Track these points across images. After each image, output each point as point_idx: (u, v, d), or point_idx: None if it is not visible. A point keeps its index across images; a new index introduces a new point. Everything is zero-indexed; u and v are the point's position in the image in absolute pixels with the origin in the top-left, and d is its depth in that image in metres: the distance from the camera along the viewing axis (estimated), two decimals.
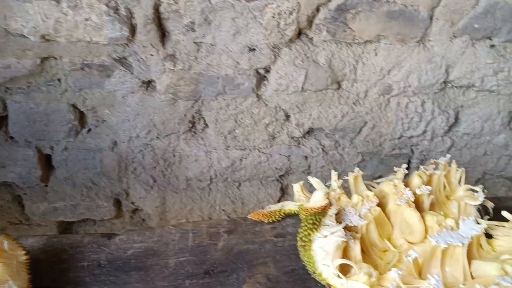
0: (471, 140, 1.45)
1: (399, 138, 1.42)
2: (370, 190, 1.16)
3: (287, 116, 1.36)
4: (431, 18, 1.22)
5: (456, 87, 1.34)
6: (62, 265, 1.05)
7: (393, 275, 0.94)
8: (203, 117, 1.34)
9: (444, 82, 1.32)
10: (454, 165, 1.19)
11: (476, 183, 1.56)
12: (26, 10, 1.10)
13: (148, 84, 1.28)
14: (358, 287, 0.94)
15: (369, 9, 1.18)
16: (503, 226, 1.07)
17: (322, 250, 0.98)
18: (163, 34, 1.20)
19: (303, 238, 1.01)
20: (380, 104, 1.35)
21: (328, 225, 1.02)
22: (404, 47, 1.26)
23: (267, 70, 1.27)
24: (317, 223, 1.01)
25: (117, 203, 1.50)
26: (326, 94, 1.31)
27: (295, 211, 1.18)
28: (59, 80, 1.25)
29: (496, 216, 1.14)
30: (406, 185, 1.14)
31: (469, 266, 1.03)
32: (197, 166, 1.42)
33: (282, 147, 1.41)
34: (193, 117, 1.33)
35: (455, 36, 1.25)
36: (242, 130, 1.36)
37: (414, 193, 1.12)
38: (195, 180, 1.46)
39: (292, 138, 1.40)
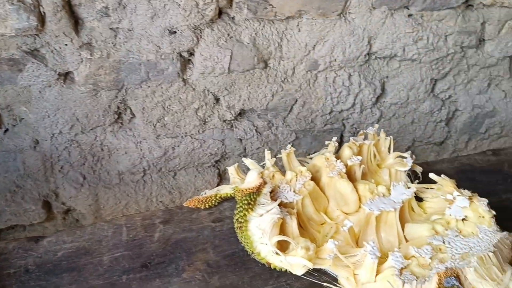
0: (398, 109, 1.49)
1: (329, 113, 1.43)
2: (303, 166, 1.16)
3: (217, 99, 1.33)
4: None
5: (379, 58, 1.37)
6: None
7: (330, 246, 0.95)
8: (128, 107, 1.29)
9: (368, 54, 1.34)
10: (382, 134, 1.21)
11: (406, 151, 1.60)
12: None
13: (66, 76, 1.20)
14: (296, 262, 0.94)
15: None
16: (431, 188, 1.11)
17: (259, 229, 0.97)
18: (76, 22, 1.13)
19: (239, 219, 0.99)
20: (308, 81, 1.35)
21: (263, 204, 1.01)
22: (326, 21, 1.26)
23: (191, 53, 1.23)
24: (252, 202, 1.00)
25: (47, 205, 1.41)
26: (254, 74, 1.30)
27: (231, 194, 1.16)
28: None
29: (426, 180, 1.18)
30: (338, 157, 1.15)
31: (403, 230, 1.06)
32: (128, 158, 1.37)
33: (215, 132, 1.39)
34: (118, 107, 1.28)
35: (374, 8, 1.27)
36: (171, 117, 1.32)
37: (346, 165, 1.13)
38: (127, 173, 1.40)
39: (224, 121, 1.37)
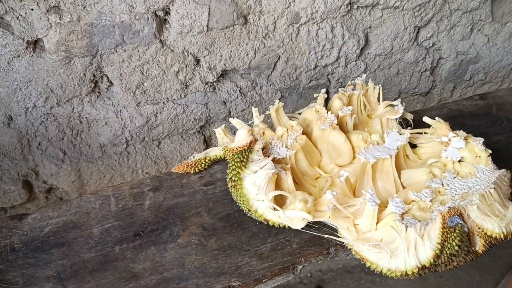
0: (383, 60, 1.46)
1: (314, 68, 1.39)
2: (293, 121, 1.13)
3: (197, 60, 1.27)
4: None
5: (361, 7, 1.33)
6: None
7: (328, 197, 0.92)
8: (105, 74, 1.22)
9: (350, 3, 1.29)
10: (371, 84, 1.18)
11: None
12: None
13: (35, 44, 1.13)
14: (295, 215, 0.91)
15: None
16: (425, 133, 1.09)
17: (254, 186, 0.94)
18: None
19: (233, 178, 0.96)
20: (291, 35, 1.31)
21: (256, 161, 0.98)
22: None
23: (167, 12, 1.17)
24: (245, 160, 0.96)
25: (27, 185, 1.35)
26: (234, 31, 1.24)
27: (221, 156, 1.12)
28: None
29: (417, 128, 1.16)
30: (328, 109, 1.12)
31: (399, 177, 1.04)
32: (109, 129, 1.31)
33: (198, 95, 1.33)
34: (94, 75, 1.21)
35: None
36: (151, 83, 1.26)
37: (337, 116, 1.10)
38: (109, 145, 1.34)
39: (207, 83, 1.32)
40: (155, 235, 0.99)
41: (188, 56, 1.25)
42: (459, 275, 1.81)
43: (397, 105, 1.13)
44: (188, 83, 1.30)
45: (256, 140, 1.01)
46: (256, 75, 1.36)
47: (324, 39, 1.34)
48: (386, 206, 0.94)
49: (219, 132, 1.13)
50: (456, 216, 0.83)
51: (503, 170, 0.96)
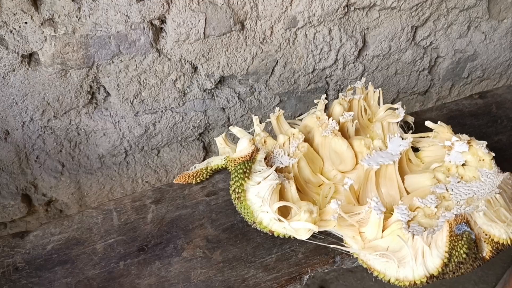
0: (381, 61, 1.45)
1: (312, 72, 1.38)
2: (294, 128, 1.12)
3: (195, 68, 1.26)
4: None
5: (358, 9, 1.32)
6: None
7: (333, 207, 0.92)
8: (102, 85, 1.21)
9: (347, 5, 1.28)
10: (370, 87, 1.17)
11: (392, 103, 1.58)
12: None
13: (30, 57, 1.11)
14: (301, 226, 0.90)
15: None
16: (427, 137, 1.08)
17: (258, 197, 0.93)
18: None
19: (236, 190, 0.95)
20: (288, 39, 1.29)
21: (259, 171, 0.97)
22: None
23: (163, 21, 1.15)
24: (248, 171, 0.95)
25: (26, 199, 1.34)
26: (231, 37, 1.23)
27: (223, 166, 1.11)
28: None
29: (417, 130, 1.15)
30: (329, 115, 1.11)
31: (403, 182, 1.03)
32: (108, 140, 1.29)
33: (196, 103, 1.32)
34: (91, 87, 1.19)
35: None
36: (148, 92, 1.25)
37: (338, 122, 1.09)
38: (108, 156, 1.33)
39: (205, 91, 1.31)
40: (159, 249, 0.98)
41: (185, 64, 1.23)
42: None
43: (397, 109, 1.12)
44: (186, 91, 1.29)
45: (258, 149, 1.00)
46: (254, 80, 1.34)
47: (322, 42, 1.33)
48: (391, 213, 0.93)
49: (219, 141, 1.11)
50: (463, 223, 0.82)
51: (507, 173, 0.95)
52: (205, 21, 1.17)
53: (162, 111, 1.30)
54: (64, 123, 1.23)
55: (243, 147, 1.01)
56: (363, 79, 1.17)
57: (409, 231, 0.86)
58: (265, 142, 1.06)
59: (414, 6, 1.35)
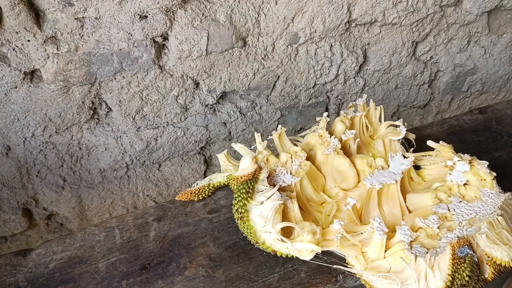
0: (381, 76, 1.46)
1: (313, 86, 1.39)
2: (296, 145, 1.12)
3: (197, 84, 1.26)
4: None
5: (360, 25, 1.32)
6: None
7: (336, 227, 0.92)
8: (104, 101, 1.21)
9: (348, 22, 1.29)
10: (372, 104, 1.18)
11: (392, 117, 1.59)
12: None
13: (32, 74, 1.11)
14: (304, 247, 0.90)
15: None
16: (429, 155, 1.09)
17: (261, 218, 0.93)
18: (37, 15, 1.03)
19: (239, 210, 0.95)
20: (290, 55, 1.30)
21: (262, 191, 0.97)
22: None
23: (165, 38, 1.16)
24: (251, 191, 0.96)
25: (27, 213, 1.33)
26: (233, 53, 1.23)
27: (225, 183, 1.11)
28: None
29: (417, 145, 1.16)
30: (331, 133, 1.12)
31: (405, 201, 1.04)
32: (109, 155, 1.30)
33: (198, 118, 1.32)
34: (93, 102, 1.20)
35: None
36: (150, 107, 1.25)
37: (340, 140, 1.09)
38: (110, 170, 1.33)
39: (206, 106, 1.31)
40: (162, 267, 0.99)
41: (187, 80, 1.23)
42: None
43: (399, 126, 1.13)
44: (188, 107, 1.29)
45: (260, 168, 1.01)
46: (256, 95, 1.35)
47: (323, 57, 1.33)
48: (393, 231, 0.94)
49: (222, 158, 1.12)
50: (466, 246, 0.83)
51: (508, 193, 0.96)
52: (208, 38, 1.17)
53: (163, 126, 1.30)
54: (66, 139, 1.23)
55: (246, 166, 1.01)
56: (364, 95, 1.18)
57: (411, 252, 0.87)
58: (267, 160, 1.06)
59: (415, 22, 1.35)
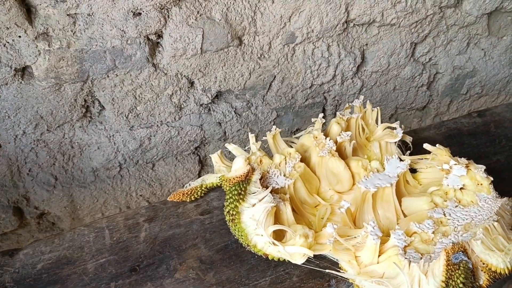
0: (379, 77, 1.44)
1: (310, 87, 1.37)
2: (291, 146, 1.10)
3: (191, 83, 1.25)
4: None
5: (358, 25, 1.30)
6: None
7: (329, 231, 0.90)
8: (97, 99, 1.19)
9: (346, 22, 1.27)
10: (369, 106, 1.16)
11: (390, 118, 1.57)
12: None
13: (23, 71, 1.09)
14: (296, 251, 0.89)
15: None
16: (425, 159, 1.07)
17: (253, 220, 0.91)
18: (29, 10, 1.02)
19: (231, 212, 0.93)
20: (286, 55, 1.28)
21: (254, 192, 0.95)
22: None
23: (159, 35, 1.14)
24: (243, 192, 0.94)
25: (18, 212, 1.32)
26: (228, 52, 1.21)
27: (218, 184, 1.09)
28: None
29: (414, 148, 1.14)
30: (326, 134, 1.10)
31: (400, 204, 1.02)
32: (102, 153, 1.28)
33: (192, 117, 1.31)
34: (85, 100, 1.18)
35: None
36: (144, 106, 1.23)
37: (335, 142, 1.08)
38: (102, 169, 1.31)
39: (201, 105, 1.29)
40: (151, 269, 0.97)
41: (182, 79, 1.22)
42: None
43: (396, 128, 1.11)
44: (182, 106, 1.27)
45: (253, 169, 0.99)
46: (252, 95, 1.33)
47: (320, 58, 1.31)
48: (388, 235, 0.92)
49: (215, 158, 1.10)
50: (460, 252, 0.81)
51: (505, 198, 0.94)
52: (203, 37, 1.15)
53: (157, 125, 1.28)
54: (58, 137, 1.22)
55: (238, 167, 0.99)
56: (361, 97, 1.16)
57: (405, 258, 0.85)
58: (260, 161, 1.04)
59: (414, 23, 1.33)
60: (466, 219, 0.92)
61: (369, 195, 0.99)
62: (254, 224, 0.91)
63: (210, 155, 1.15)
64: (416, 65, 1.46)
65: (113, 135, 1.25)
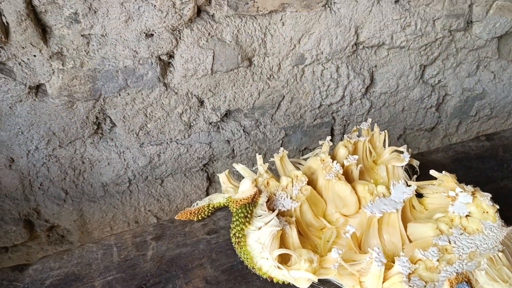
0: (388, 98, 1.45)
1: (319, 107, 1.38)
2: (298, 168, 1.11)
3: (201, 102, 1.26)
4: None
5: (367, 47, 1.32)
6: None
7: (334, 256, 0.91)
8: (108, 116, 1.21)
9: (355, 44, 1.28)
10: (376, 129, 1.17)
11: (398, 139, 1.58)
12: None
13: (37, 89, 1.12)
14: (301, 276, 0.89)
15: None
16: (432, 184, 1.07)
17: (258, 243, 0.92)
18: (44, 31, 1.04)
19: (237, 234, 0.94)
20: (295, 76, 1.30)
21: (260, 215, 0.96)
22: (310, 13, 1.20)
23: (171, 56, 1.16)
24: (249, 215, 0.95)
25: (29, 224, 1.34)
26: (238, 73, 1.23)
27: (225, 204, 1.10)
28: None
29: (422, 171, 1.14)
30: (333, 157, 1.11)
31: (405, 229, 1.02)
32: (112, 169, 1.30)
33: (201, 135, 1.32)
34: (97, 118, 1.20)
35: None
36: (154, 124, 1.25)
37: (342, 165, 1.08)
38: (112, 184, 1.33)
39: (210, 123, 1.31)
40: None
41: (192, 98, 1.24)
42: None
43: (403, 152, 1.12)
44: (191, 124, 1.29)
45: (260, 192, 1.00)
46: (260, 114, 1.34)
47: (329, 79, 1.33)
48: (392, 260, 0.92)
49: (222, 178, 1.11)
50: (464, 282, 0.81)
51: (510, 227, 0.94)
52: (213, 58, 1.17)
53: (167, 142, 1.30)
54: (69, 152, 1.24)
55: (245, 189, 1.00)
56: (369, 120, 1.17)
57: (409, 285, 0.85)
58: (268, 183, 1.05)
59: (423, 45, 1.34)
60: (471, 248, 0.92)
61: (375, 220, 0.99)
62: (259, 247, 0.92)
63: (217, 174, 1.16)
64: (425, 86, 1.47)
65: (123, 152, 1.28)
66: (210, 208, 1.11)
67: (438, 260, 0.90)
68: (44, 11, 1.01)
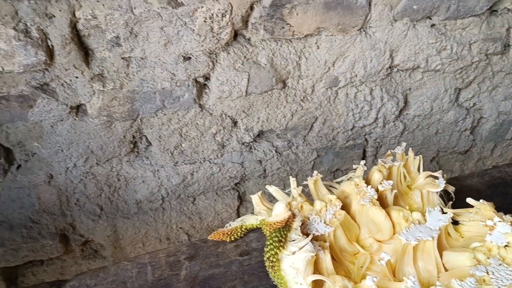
0: (422, 121, 1.43)
1: (351, 129, 1.38)
2: (331, 191, 1.11)
3: (235, 122, 1.28)
4: (369, 4, 1.16)
5: (402, 70, 1.31)
6: None
7: (368, 284, 0.90)
8: (144, 135, 1.24)
9: (390, 67, 1.28)
10: (411, 153, 1.16)
11: (431, 161, 1.56)
12: None
13: (78, 108, 1.16)
14: None
15: (306, 2, 1.11)
16: (468, 212, 1.05)
17: (292, 268, 0.92)
18: (86, 53, 1.08)
19: (271, 258, 0.94)
20: (329, 98, 1.30)
21: (294, 240, 0.96)
22: (345, 37, 1.20)
23: (207, 78, 1.18)
24: (283, 239, 0.95)
25: (64, 239, 1.37)
26: (272, 94, 1.24)
27: (257, 226, 1.11)
28: None
29: (457, 196, 1.13)
30: (367, 181, 1.10)
31: (441, 257, 1.01)
32: (146, 187, 1.32)
33: (234, 155, 1.34)
34: (134, 137, 1.23)
35: (395, 20, 1.21)
36: (189, 144, 1.27)
37: (377, 190, 1.08)
38: (145, 201, 1.36)
39: (243, 144, 1.32)
40: None
41: (226, 118, 1.25)
42: None
43: (438, 178, 1.10)
44: (225, 144, 1.30)
45: (294, 215, 1.00)
46: (293, 135, 1.35)
47: (363, 101, 1.33)
48: None
49: (255, 200, 1.12)
50: None
51: None
52: (248, 80, 1.19)
53: (200, 161, 1.32)
54: (106, 170, 1.27)
55: (279, 212, 1.01)
56: (404, 144, 1.16)
57: None
58: (301, 207, 1.05)
59: (459, 69, 1.33)
60: (510, 280, 0.90)
61: (410, 247, 0.98)
62: (294, 272, 0.92)
63: (250, 195, 1.17)
64: (459, 109, 1.45)
65: (158, 170, 1.30)
66: (243, 229, 1.12)
67: None
68: (87, 35, 1.05)
